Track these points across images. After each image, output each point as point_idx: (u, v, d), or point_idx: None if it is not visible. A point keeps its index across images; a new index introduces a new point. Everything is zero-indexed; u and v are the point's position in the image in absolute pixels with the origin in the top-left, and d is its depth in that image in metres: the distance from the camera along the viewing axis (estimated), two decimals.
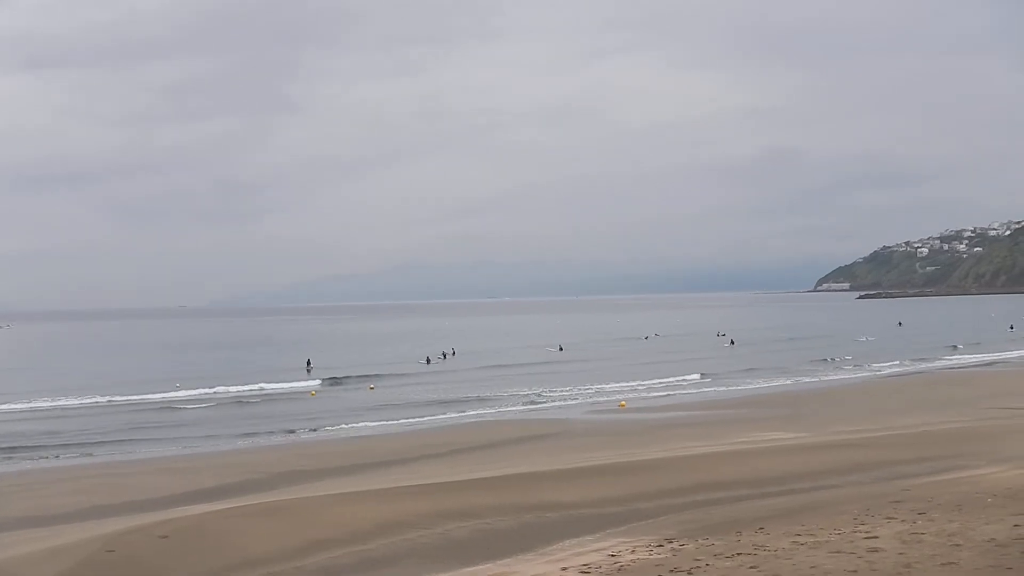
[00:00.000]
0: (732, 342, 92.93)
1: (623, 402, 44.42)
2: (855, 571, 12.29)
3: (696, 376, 57.60)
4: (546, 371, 65.40)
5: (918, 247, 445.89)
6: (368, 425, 39.18)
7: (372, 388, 56.86)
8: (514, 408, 44.46)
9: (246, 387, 55.61)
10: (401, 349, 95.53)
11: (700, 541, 14.99)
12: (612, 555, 14.43)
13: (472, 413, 42.75)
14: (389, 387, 57.54)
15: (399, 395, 52.08)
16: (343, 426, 39.14)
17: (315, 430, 38.11)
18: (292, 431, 37.82)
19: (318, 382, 59.67)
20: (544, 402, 46.69)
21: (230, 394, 53.08)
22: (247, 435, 36.92)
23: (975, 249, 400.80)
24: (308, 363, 74.83)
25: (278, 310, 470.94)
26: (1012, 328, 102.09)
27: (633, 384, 53.47)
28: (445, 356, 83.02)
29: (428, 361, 77.15)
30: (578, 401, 46.56)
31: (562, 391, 50.73)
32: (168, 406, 48.10)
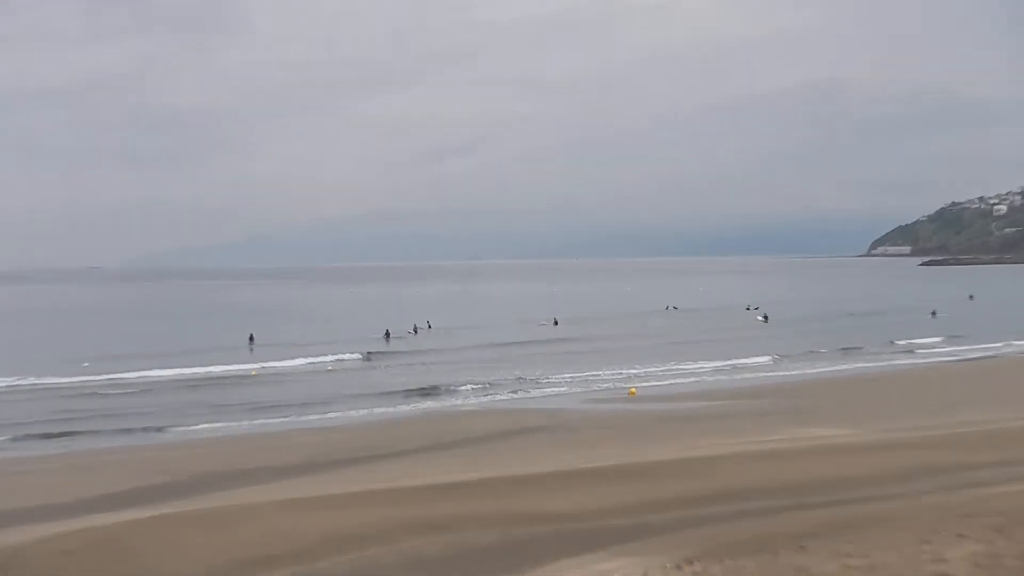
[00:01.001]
0: (765, 318, 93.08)
1: (632, 389, 44.48)
2: None
3: (767, 359, 57.86)
4: (538, 351, 65.41)
5: (994, 204, 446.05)
6: (322, 416, 39.05)
7: (330, 370, 56.89)
8: (498, 396, 44.45)
9: (175, 369, 55.30)
10: (364, 321, 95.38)
11: (727, 562, 14.85)
12: None
13: (448, 402, 42.77)
14: (349, 369, 57.55)
15: (361, 379, 51.98)
16: (292, 417, 39.05)
17: (257, 421, 37.98)
18: (230, 422, 37.67)
19: (304, 361, 59.46)
20: (535, 388, 46.70)
21: (156, 377, 52.80)
22: (176, 426, 36.75)
23: None
24: (251, 339, 74.78)
25: (213, 272, 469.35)
26: None
27: (646, 369, 53.49)
28: (416, 330, 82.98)
29: (388, 336, 77.08)
30: (576, 388, 46.56)
31: (557, 375, 50.75)
32: (81, 391, 47.79)
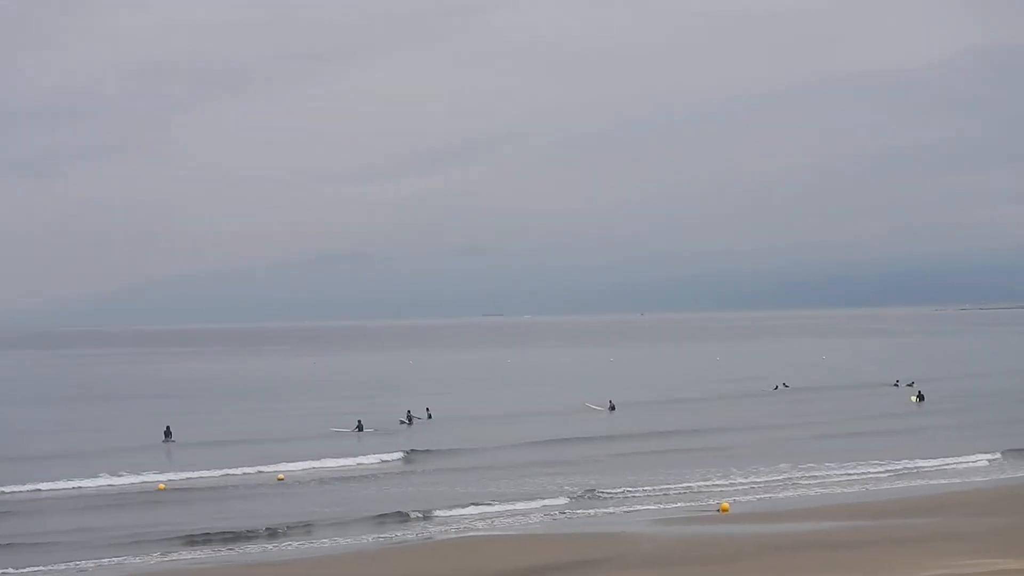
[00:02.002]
0: (920, 397, 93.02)
1: (724, 504, 45.15)
2: None
3: (983, 458, 58.21)
4: (590, 451, 65.79)
5: None
6: (278, 546, 39.71)
7: (281, 479, 56.96)
8: (533, 518, 44.90)
9: (54, 483, 55.44)
10: (328, 407, 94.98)
11: None
12: None
13: (459, 526, 43.17)
14: (315, 479, 56.88)
15: (331, 493, 52.43)
16: (233, 549, 39.63)
17: (175, 555, 38.59)
18: (136, 556, 38.37)
19: (243, 470, 59.26)
20: (584, 504, 47.32)
21: (23, 492, 53.50)
22: (52, 564, 37.19)
23: None
24: (167, 432, 74.99)
25: (95, 335, 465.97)
26: None
27: (746, 479, 53.75)
28: (411, 420, 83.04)
29: (360, 428, 78.40)
30: (643, 504, 47.24)
31: (615, 486, 51.30)
32: None
